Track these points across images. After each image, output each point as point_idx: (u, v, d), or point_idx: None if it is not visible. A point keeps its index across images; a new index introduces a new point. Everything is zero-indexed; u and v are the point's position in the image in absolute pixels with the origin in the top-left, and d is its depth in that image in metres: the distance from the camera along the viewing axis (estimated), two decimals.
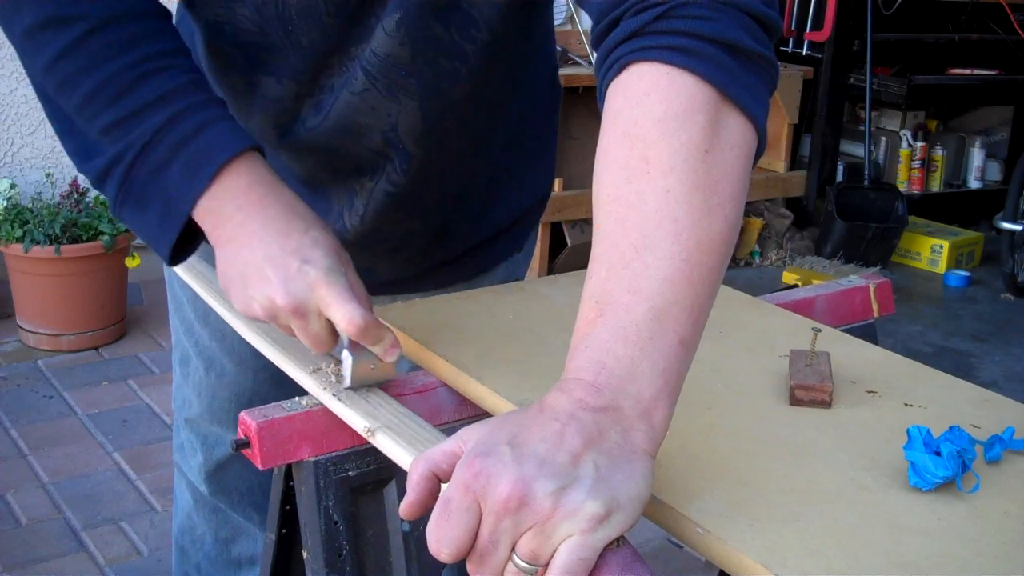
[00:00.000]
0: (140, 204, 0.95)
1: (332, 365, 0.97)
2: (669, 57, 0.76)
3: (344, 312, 0.90)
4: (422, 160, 1.09)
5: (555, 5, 3.86)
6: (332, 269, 0.91)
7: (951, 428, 0.82)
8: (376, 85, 1.03)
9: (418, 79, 1.02)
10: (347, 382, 0.94)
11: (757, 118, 0.78)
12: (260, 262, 0.91)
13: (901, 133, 4.93)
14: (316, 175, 1.15)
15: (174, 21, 1.00)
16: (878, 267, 4.34)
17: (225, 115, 0.95)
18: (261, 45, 1.03)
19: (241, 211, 0.92)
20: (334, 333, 0.93)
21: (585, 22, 4.07)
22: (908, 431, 0.82)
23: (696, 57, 0.76)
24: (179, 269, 1.19)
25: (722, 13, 0.77)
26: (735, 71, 0.77)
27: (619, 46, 0.79)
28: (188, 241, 0.96)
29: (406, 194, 1.12)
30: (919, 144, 4.92)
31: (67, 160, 3.52)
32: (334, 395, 0.94)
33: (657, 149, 0.75)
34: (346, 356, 0.94)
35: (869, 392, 0.97)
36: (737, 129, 0.77)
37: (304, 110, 1.08)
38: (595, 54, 0.84)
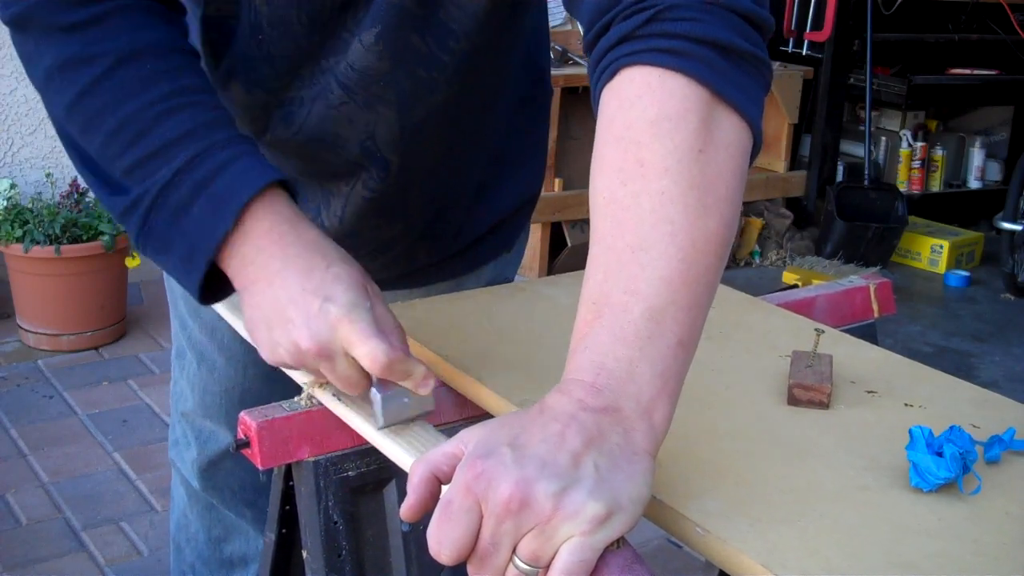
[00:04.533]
0: (163, 246, 0.91)
1: (369, 406, 0.90)
2: (660, 59, 0.76)
3: (367, 349, 0.85)
4: (400, 167, 1.09)
5: (555, 4, 3.86)
6: (355, 304, 0.87)
7: (951, 428, 0.82)
8: (354, 98, 1.02)
9: (396, 90, 1.02)
10: (380, 422, 0.89)
11: (751, 117, 0.78)
12: (282, 304, 0.87)
13: (901, 133, 4.93)
14: (288, 175, 1.13)
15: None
16: (878, 267, 4.34)
17: (248, 151, 0.91)
18: (231, 54, 1.02)
19: (263, 252, 0.89)
20: (366, 374, 0.88)
21: None
22: (911, 431, 0.82)
23: (687, 58, 0.76)
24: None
25: (711, 14, 0.77)
26: (727, 71, 0.77)
27: (610, 51, 0.79)
28: (217, 279, 0.92)
29: (385, 199, 1.12)
30: (919, 144, 4.92)
31: (67, 160, 3.52)
32: (333, 395, 0.94)
33: (651, 151, 0.75)
34: (375, 395, 0.89)
35: (869, 392, 0.97)
36: (731, 129, 0.77)
37: (272, 121, 1.07)
38: (588, 60, 0.84)
